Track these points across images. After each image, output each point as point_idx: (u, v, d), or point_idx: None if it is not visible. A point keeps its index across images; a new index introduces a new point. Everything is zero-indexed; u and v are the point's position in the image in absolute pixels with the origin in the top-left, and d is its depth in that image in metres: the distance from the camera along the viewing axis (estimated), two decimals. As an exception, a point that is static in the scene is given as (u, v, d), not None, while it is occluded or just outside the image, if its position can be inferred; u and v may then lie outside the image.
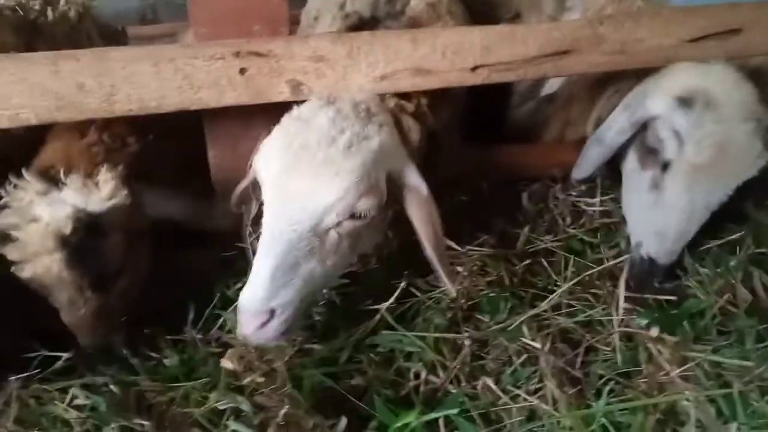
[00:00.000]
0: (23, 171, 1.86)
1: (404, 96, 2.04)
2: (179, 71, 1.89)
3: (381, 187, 1.78)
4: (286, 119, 1.82)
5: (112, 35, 3.24)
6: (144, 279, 2.07)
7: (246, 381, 1.81)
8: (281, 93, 1.99)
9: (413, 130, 1.98)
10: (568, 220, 2.53)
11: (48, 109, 1.83)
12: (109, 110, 1.87)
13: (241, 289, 1.75)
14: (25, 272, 1.82)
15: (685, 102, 2.03)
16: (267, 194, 1.74)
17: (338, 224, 1.73)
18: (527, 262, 2.27)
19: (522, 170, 2.69)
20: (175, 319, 2.10)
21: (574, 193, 2.63)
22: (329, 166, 1.66)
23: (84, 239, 1.81)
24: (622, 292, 1.97)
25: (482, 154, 2.65)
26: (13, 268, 1.83)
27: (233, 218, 2.17)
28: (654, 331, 1.80)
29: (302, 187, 1.67)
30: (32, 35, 2.44)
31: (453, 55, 2.05)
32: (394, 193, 1.85)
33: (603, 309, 2.03)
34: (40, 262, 1.80)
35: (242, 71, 1.93)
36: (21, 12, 2.50)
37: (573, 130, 2.65)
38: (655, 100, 2.11)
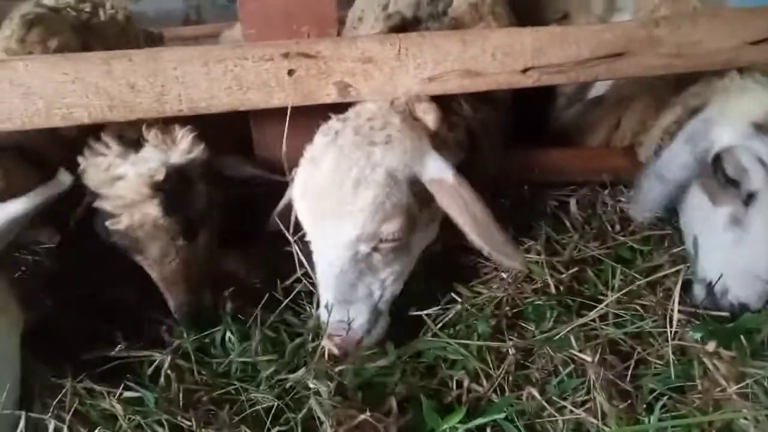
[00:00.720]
0: (102, 135, 1.97)
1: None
2: (229, 72, 1.89)
3: (404, 203, 1.81)
4: (302, 163, 1.88)
5: (153, 39, 3.30)
6: (218, 239, 2.18)
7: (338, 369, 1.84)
8: (329, 95, 1.99)
9: (431, 116, 1.96)
10: (617, 227, 2.46)
11: (101, 109, 1.86)
12: (160, 110, 1.89)
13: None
14: (122, 224, 1.93)
15: (762, 128, 1.89)
16: (308, 232, 1.88)
17: (374, 249, 1.82)
18: (574, 269, 2.21)
19: (569, 174, 2.62)
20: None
21: (623, 200, 2.55)
22: (343, 207, 1.75)
23: (175, 185, 1.95)
24: (676, 303, 1.89)
25: (527, 157, 2.60)
26: (108, 222, 1.94)
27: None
28: (711, 345, 1.72)
29: (327, 227, 1.79)
30: (87, 35, 2.49)
31: (503, 57, 2.01)
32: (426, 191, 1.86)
33: (654, 321, 1.96)
34: (138, 211, 1.92)
35: (290, 72, 1.93)
36: (74, 12, 2.55)
37: (620, 136, 2.57)
38: (724, 129, 1.96)
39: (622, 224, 2.48)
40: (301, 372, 1.84)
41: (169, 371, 1.94)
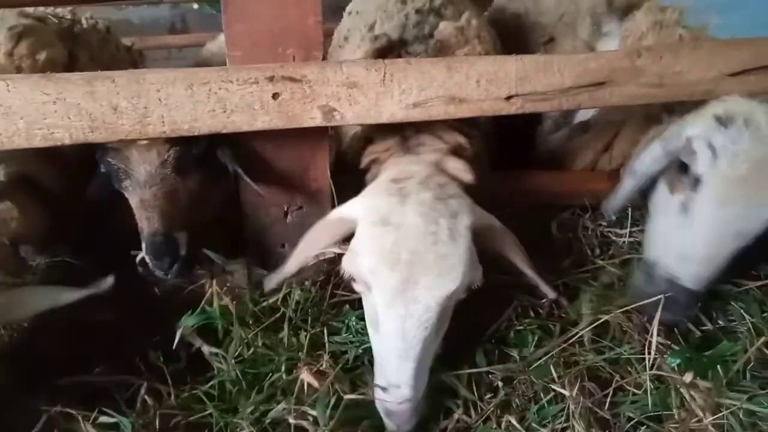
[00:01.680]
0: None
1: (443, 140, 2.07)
2: (213, 94, 1.88)
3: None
4: (369, 228, 1.76)
5: (130, 50, 3.30)
6: (209, 218, 2.19)
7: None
8: (313, 118, 1.98)
9: (464, 170, 2.00)
10: (597, 251, 2.49)
11: (82, 130, 1.83)
12: (143, 132, 1.87)
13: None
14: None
15: (723, 119, 1.96)
16: (383, 303, 1.71)
17: (454, 302, 1.78)
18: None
19: (551, 198, 2.65)
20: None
21: (603, 224, 2.58)
22: (444, 262, 1.68)
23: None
24: (655, 331, 1.91)
25: (510, 180, 2.62)
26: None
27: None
28: (688, 376, 1.74)
29: (424, 291, 1.67)
30: (73, 43, 2.47)
31: (488, 84, 2.02)
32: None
33: (632, 347, 1.98)
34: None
35: (275, 96, 1.93)
36: (56, 21, 2.53)
37: (606, 160, 2.60)
38: (693, 125, 2.03)
39: (602, 248, 2.51)
40: (281, 406, 1.82)
41: (146, 396, 1.92)
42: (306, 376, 1.84)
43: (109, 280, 1.85)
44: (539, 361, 1.97)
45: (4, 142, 1.81)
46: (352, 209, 1.87)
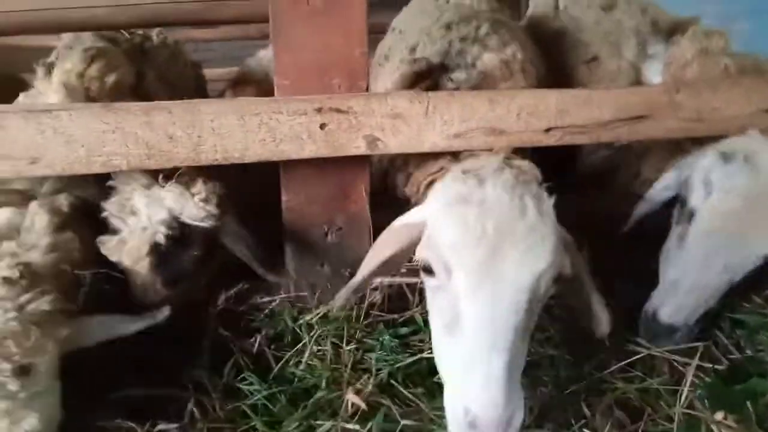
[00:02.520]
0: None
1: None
2: (264, 125, 1.96)
3: None
4: (447, 208, 1.67)
5: (194, 61, 3.38)
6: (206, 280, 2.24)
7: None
8: (357, 147, 2.05)
9: (533, 167, 1.89)
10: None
11: (139, 157, 1.92)
12: (196, 159, 1.95)
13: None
14: (114, 256, 2.02)
15: (725, 156, 2.03)
16: (468, 285, 1.57)
17: (543, 294, 1.64)
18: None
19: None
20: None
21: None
22: (533, 235, 1.57)
23: (171, 248, 2.01)
24: (690, 374, 1.97)
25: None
26: (103, 248, 2.02)
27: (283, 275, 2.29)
28: (719, 415, 1.80)
29: (513, 268, 1.54)
30: (141, 61, 2.56)
31: (528, 117, 2.07)
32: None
33: (660, 378, 2.04)
34: (131, 257, 2.00)
35: (322, 126, 1.99)
36: (128, 37, 2.62)
37: (640, 183, 2.62)
38: (701, 159, 2.11)
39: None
40: (329, 424, 1.90)
41: (194, 408, 2.02)
42: (352, 397, 1.91)
43: (165, 311, 1.94)
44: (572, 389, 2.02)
45: (65, 168, 1.90)
46: (417, 214, 1.81)
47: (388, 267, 1.91)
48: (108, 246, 2.02)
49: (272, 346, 2.24)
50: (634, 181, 2.69)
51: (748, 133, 2.15)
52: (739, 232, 1.97)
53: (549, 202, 1.68)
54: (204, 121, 1.92)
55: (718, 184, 2.00)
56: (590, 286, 1.84)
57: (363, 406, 1.89)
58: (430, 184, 2.06)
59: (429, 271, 1.68)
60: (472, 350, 1.54)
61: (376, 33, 3.19)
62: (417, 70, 2.39)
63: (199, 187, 2.05)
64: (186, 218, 2.02)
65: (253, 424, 1.99)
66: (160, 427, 1.94)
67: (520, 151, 2.29)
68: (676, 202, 2.22)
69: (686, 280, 2.03)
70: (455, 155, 2.09)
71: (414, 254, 1.77)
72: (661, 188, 2.24)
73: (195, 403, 2.04)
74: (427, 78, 2.36)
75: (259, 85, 3.41)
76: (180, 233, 2.03)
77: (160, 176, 2.04)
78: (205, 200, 2.05)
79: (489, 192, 1.64)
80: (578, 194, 2.67)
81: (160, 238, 1.99)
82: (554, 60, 3.01)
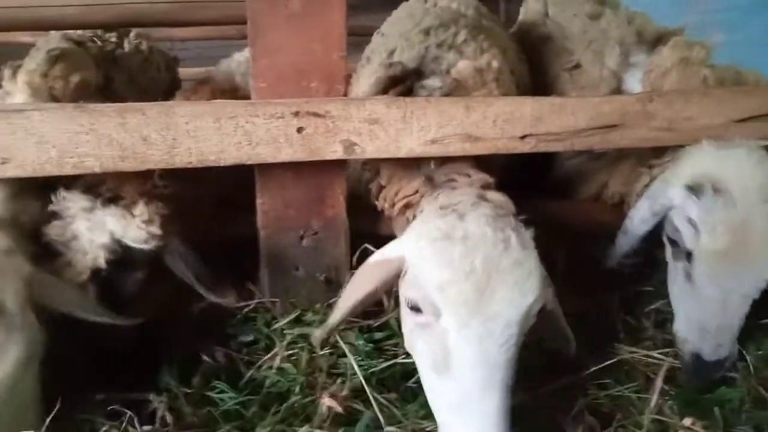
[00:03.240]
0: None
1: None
2: (240, 128, 1.95)
3: None
4: (432, 244, 1.64)
5: (170, 64, 3.34)
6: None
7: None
8: (335, 152, 2.05)
9: (507, 201, 1.92)
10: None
11: (112, 159, 1.90)
12: (170, 162, 1.94)
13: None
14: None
15: (694, 190, 2.03)
16: (458, 323, 1.56)
17: (528, 326, 1.64)
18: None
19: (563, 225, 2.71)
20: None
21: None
22: (520, 269, 1.57)
23: (113, 272, 1.96)
24: (659, 382, 1.99)
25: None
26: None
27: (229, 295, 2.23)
28: (687, 420, 1.83)
29: (502, 304, 1.54)
30: (110, 67, 2.53)
31: (504, 124, 2.09)
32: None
33: (633, 385, 2.06)
34: (74, 280, 1.95)
35: (299, 130, 1.99)
36: (100, 43, 2.60)
37: (609, 193, 2.66)
38: (674, 189, 2.11)
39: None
40: (305, 429, 1.88)
41: (166, 413, 1.99)
42: (328, 401, 1.90)
43: (138, 320, 1.94)
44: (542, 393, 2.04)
45: (36, 169, 1.87)
46: (395, 249, 1.78)
47: (365, 302, 1.90)
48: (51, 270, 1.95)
49: (245, 351, 2.22)
50: (604, 191, 2.72)
51: (693, 151, 2.18)
52: (742, 262, 1.98)
53: (529, 234, 1.69)
54: (179, 124, 1.91)
55: (702, 224, 1.99)
56: (559, 312, 1.86)
57: (340, 410, 1.89)
58: (406, 207, 2.06)
59: (416, 309, 1.67)
60: (465, 390, 1.53)
61: (358, 35, 3.21)
62: (391, 75, 2.37)
63: (141, 208, 1.98)
64: (128, 241, 1.96)
65: (227, 428, 1.97)
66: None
67: (495, 158, 2.33)
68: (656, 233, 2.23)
69: (713, 321, 2.02)
70: (430, 179, 2.08)
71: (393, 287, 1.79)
72: (637, 222, 2.24)
73: (167, 409, 2.01)
74: (401, 83, 2.36)
75: (217, 88, 3.33)
76: (122, 256, 1.97)
77: (99, 199, 1.99)
78: (148, 221, 1.98)
79: (471, 227, 1.63)
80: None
81: (101, 263, 1.93)
82: (540, 67, 3.04)
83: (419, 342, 1.69)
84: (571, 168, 2.90)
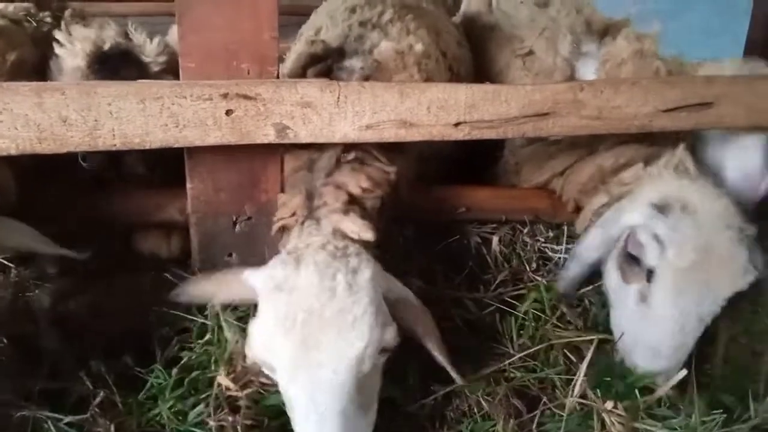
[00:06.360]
0: None
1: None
2: (166, 109, 1.88)
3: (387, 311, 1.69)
4: (264, 300, 1.67)
5: None
6: None
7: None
8: (266, 135, 2.00)
9: (364, 229, 1.86)
10: (534, 265, 2.62)
11: (29, 141, 1.81)
12: (93, 144, 1.86)
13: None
14: None
15: (661, 208, 2.05)
16: (288, 378, 1.59)
17: (372, 366, 1.62)
18: (491, 309, 2.35)
19: (492, 212, 2.75)
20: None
21: (541, 239, 2.71)
22: (345, 316, 1.55)
23: None
24: (584, 367, 2.03)
25: (451, 194, 2.70)
26: None
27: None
28: (609, 404, 1.89)
29: (324, 354, 1.54)
30: (46, 47, 2.41)
31: (438, 110, 2.09)
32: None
33: (557, 368, 2.12)
34: None
35: (228, 112, 1.94)
36: (35, 24, 2.50)
37: (559, 184, 2.68)
38: (631, 213, 2.13)
39: (539, 263, 2.64)
40: (200, 408, 1.86)
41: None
42: (222, 380, 1.88)
43: (86, 253, 1.96)
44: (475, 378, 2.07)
45: (-53, 150, 1.77)
46: (256, 278, 1.77)
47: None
48: None
49: (176, 339, 2.17)
50: (556, 179, 2.73)
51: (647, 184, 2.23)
52: (702, 283, 2.00)
53: (366, 274, 1.66)
54: (101, 104, 1.83)
55: (669, 240, 2.01)
56: (434, 346, 1.83)
57: (232, 387, 1.87)
58: (283, 229, 2.02)
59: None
60: None
61: (298, 15, 3.15)
62: (312, 52, 2.34)
63: None
64: None
65: (157, 411, 1.93)
66: (68, 419, 1.85)
67: (411, 150, 2.32)
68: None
69: (668, 342, 2.01)
70: (310, 197, 1.99)
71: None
72: (590, 248, 2.24)
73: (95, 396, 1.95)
74: (322, 61, 2.32)
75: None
76: None
77: None
78: None
79: (301, 277, 1.63)
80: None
81: None
82: (487, 54, 3.04)
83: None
84: (525, 156, 2.90)
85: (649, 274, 2.06)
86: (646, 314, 2.06)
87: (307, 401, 1.54)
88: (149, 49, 2.45)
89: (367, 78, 2.25)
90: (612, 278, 2.23)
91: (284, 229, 2.02)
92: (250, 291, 1.77)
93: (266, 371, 1.69)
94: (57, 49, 2.34)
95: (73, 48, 2.33)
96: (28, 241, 1.87)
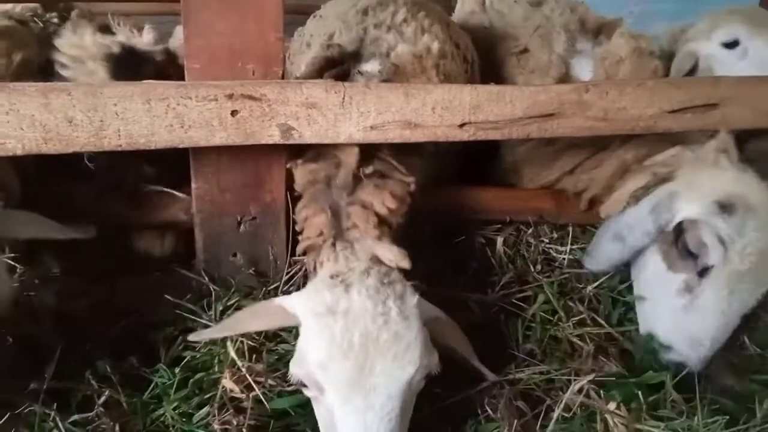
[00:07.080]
0: None
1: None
2: (171, 110, 1.88)
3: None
4: (316, 321, 1.67)
5: None
6: None
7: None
8: (271, 136, 2.01)
9: (400, 258, 1.86)
10: (539, 266, 2.61)
11: (35, 141, 1.81)
12: (98, 145, 1.86)
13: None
14: None
15: (725, 207, 2.03)
16: (340, 399, 1.61)
17: (415, 390, 1.68)
18: (495, 310, 2.35)
19: (496, 213, 2.75)
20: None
21: (545, 240, 2.71)
22: (398, 343, 1.61)
23: None
24: (588, 366, 2.04)
25: (456, 195, 2.70)
26: None
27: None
28: (612, 405, 1.88)
29: (383, 378, 1.59)
30: (51, 48, 2.43)
31: (443, 111, 2.09)
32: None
33: (560, 368, 2.11)
34: None
35: (233, 113, 1.94)
36: (41, 24, 2.53)
37: (571, 182, 2.69)
38: (689, 203, 2.10)
39: (543, 265, 2.64)
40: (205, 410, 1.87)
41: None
42: (227, 382, 1.88)
43: (92, 229, 2.03)
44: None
45: (-47, 149, 1.77)
46: (293, 303, 1.79)
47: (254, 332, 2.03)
48: None
49: (180, 339, 2.17)
50: (567, 177, 2.73)
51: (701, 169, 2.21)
52: (753, 284, 2.03)
53: (413, 300, 1.71)
54: (107, 105, 1.83)
55: (731, 242, 2.00)
56: (469, 354, 1.92)
57: (237, 390, 1.87)
58: (310, 248, 2.01)
59: (303, 385, 1.70)
60: None
61: (303, 14, 3.14)
62: (328, 56, 2.32)
63: None
64: None
65: (162, 412, 1.93)
66: (73, 418, 1.85)
67: (425, 159, 2.32)
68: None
69: (713, 332, 2.03)
70: (336, 214, 1.98)
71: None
72: (641, 233, 2.19)
73: (100, 395, 1.95)
74: (338, 65, 2.32)
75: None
76: None
77: None
78: None
79: (354, 301, 1.66)
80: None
81: None
82: (482, 53, 3.04)
83: (316, 410, 1.75)
84: (522, 154, 2.90)
85: (704, 270, 2.04)
86: (692, 304, 2.06)
87: (356, 422, 1.57)
88: (146, 40, 2.47)
89: (386, 82, 2.23)
90: (652, 262, 2.21)
91: (310, 248, 2.02)
92: (287, 316, 1.79)
93: (309, 388, 1.69)
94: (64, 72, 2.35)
95: (86, 67, 2.34)
96: (44, 230, 1.94)
